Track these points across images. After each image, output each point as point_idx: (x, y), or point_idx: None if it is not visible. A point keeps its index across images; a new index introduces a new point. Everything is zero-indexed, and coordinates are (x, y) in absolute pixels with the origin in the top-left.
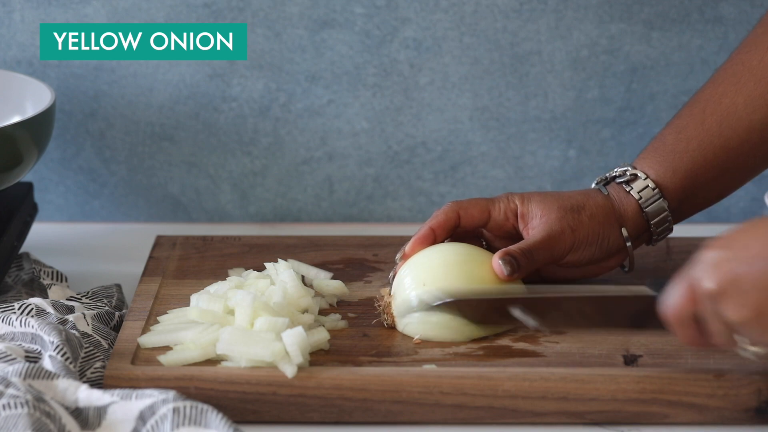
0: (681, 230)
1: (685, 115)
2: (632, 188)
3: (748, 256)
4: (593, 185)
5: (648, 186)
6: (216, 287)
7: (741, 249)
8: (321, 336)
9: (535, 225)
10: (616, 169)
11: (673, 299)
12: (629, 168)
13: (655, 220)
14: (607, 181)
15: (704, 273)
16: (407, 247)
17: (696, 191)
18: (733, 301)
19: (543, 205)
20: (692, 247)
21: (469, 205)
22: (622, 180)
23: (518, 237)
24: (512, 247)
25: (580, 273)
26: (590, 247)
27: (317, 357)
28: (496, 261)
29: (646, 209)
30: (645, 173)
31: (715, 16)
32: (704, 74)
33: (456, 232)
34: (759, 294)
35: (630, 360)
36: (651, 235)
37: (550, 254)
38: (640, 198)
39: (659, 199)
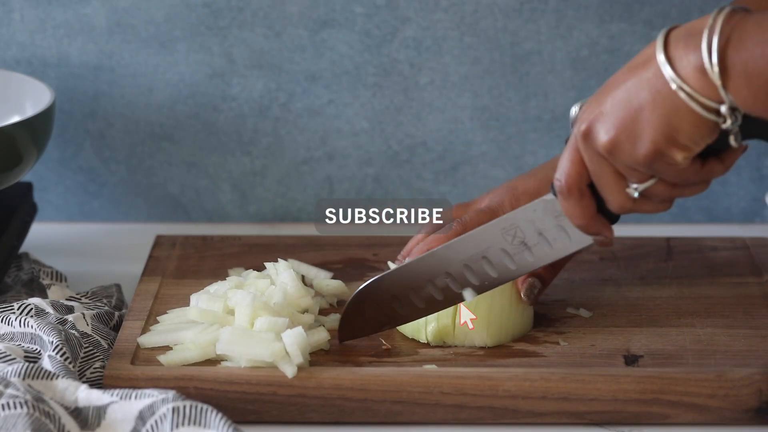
0: (681, 230)
1: None
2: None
3: (600, 95)
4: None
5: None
6: (216, 287)
7: (595, 98)
8: (321, 336)
9: None
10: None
11: (563, 170)
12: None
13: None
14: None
15: (578, 126)
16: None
17: None
18: (600, 128)
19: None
20: (692, 247)
21: (473, 226)
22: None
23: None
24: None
25: None
26: None
27: (317, 357)
28: (522, 288)
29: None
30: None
31: None
32: None
33: None
34: (620, 111)
35: (631, 360)
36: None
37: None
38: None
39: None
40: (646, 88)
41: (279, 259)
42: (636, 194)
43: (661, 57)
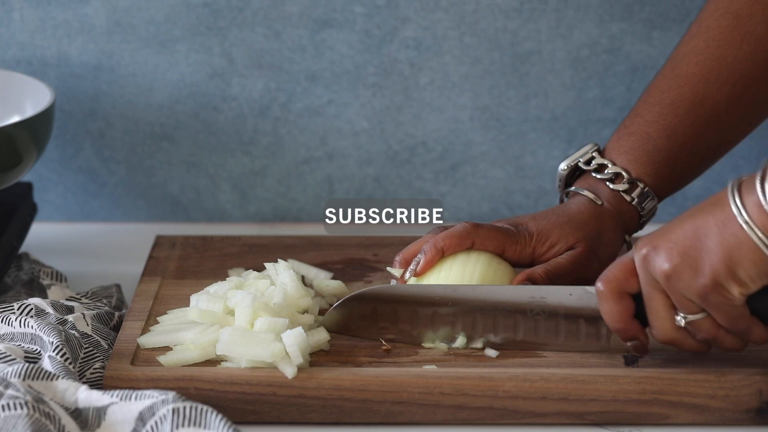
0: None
1: (670, 115)
2: (634, 199)
3: (668, 225)
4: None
5: (648, 194)
6: (216, 287)
7: (662, 228)
8: (321, 336)
9: (559, 249)
10: (608, 168)
11: (611, 273)
12: (621, 171)
13: (646, 217)
14: (579, 171)
15: (640, 250)
16: (419, 268)
17: (683, 185)
18: (663, 254)
19: (567, 237)
20: None
21: (486, 235)
22: (622, 189)
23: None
24: (537, 270)
25: None
26: (606, 264)
27: (317, 357)
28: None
29: (644, 216)
30: (642, 181)
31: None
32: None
33: None
34: (685, 241)
35: (631, 361)
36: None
37: (572, 280)
38: (643, 210)
39: (656, 203)
40: (714, 224)
41: (279, 259)
42: (683, 323)
43: (734, 195)
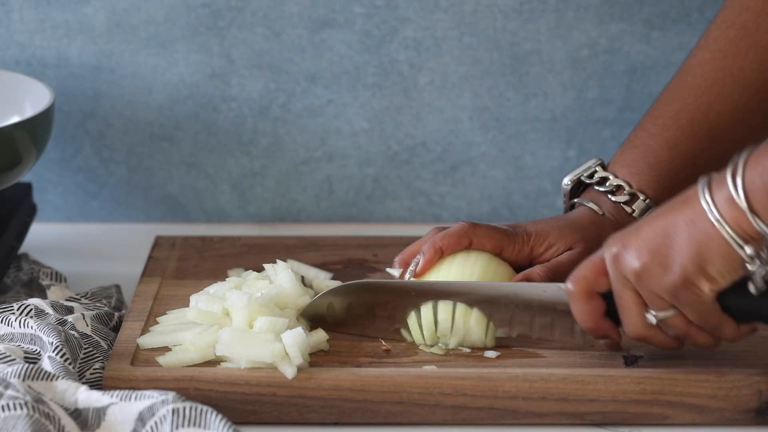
0: None
1: (672, 127)
2: (634, 210)
3: (638, 224)
4: (577, 200)
5: (650, 207)
6: (215, 288)
7: (632, 227)
8: (320, 336)
9: (558, 249)
10: (610, 180)
11: (581, 273)
12: (623, 183)
13: None
14: (583, 186)
15: (610, 248)
16: (418, 268)
17: None
18: (633, 252)
19: (565, 239)
20: None
21: (484, 234)
22: (623, 201)
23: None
24: (535, 269)
25: None
26: None
27: (317, 358)
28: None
29: None
30: (644, 193)
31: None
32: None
33: None
34: (655, 239)
35: (630, 361)
36: None
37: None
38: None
39: None
40: (684, 221)
41: (277, 260)
42: (654, 321)
43: (704, 192)
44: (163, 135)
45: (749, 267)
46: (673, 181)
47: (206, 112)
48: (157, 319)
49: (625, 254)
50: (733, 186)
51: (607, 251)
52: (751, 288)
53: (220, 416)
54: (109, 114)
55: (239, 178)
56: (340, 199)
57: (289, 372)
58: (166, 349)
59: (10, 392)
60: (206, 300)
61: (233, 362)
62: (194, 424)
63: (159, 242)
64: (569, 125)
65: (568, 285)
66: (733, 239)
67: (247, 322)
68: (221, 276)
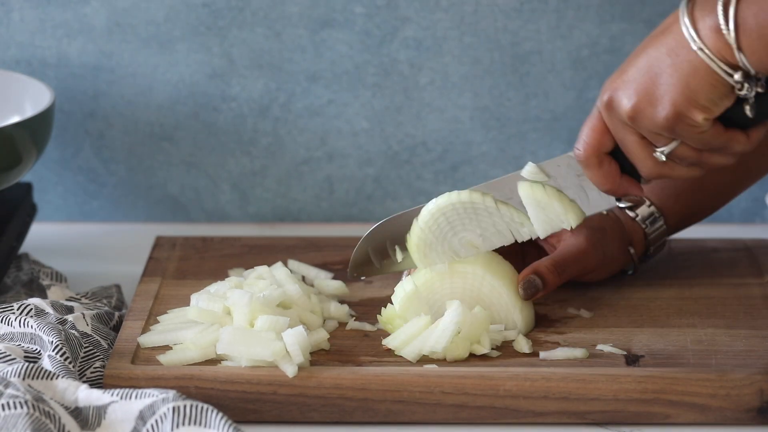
0: (681, 231)
1: None
2: (638, 215)
3: (624, 65)
4: None
5: (653, 214)
6: (216, 287)
7: (618, 69)
8: (320, 335)
9: (562, 240)
10: None
11: (583, 139)
12: None
13: (656, 244)
14: None
15: (602, 96)
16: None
17: (694, 212)
18: (623, 95)
19: None
20: (693, 247)
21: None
22: (626, 206)
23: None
24: (543, 262)
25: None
26: (610, 265)
27: (318, 356)
28: (520, 283)
29: (650, 236)
30: (648, 199)
31: None
32: None
33: None
34: (641, 77)
35: (632, 360)
36: (647, 254)
37: (579, 269)
38: (646, 226)
39: (662, 226)
40: (666, 53)
41: (278, 261)
42: (663, 157)
43: (684, 19)
44: (163, 135)
45: (740, 92)
46: (679, 187)
47: (206, 112)
48: (158, 318)
49: (616, 99)
50: (724, 17)
51: (599, 102)
52: (747, 111)
53: (220, 415)
54: (109, 114)
55: (239, 178)
56: (340, 199)
57: (289, 370)
58: (166, 348)
59: (10, 391)
60: (207, 299)
61: (234, 361)
62: (195, 423)
63: (159, 242)
64: (570, 125)
65: (578, 153)
66: (720, 67)
67: (248, 320)
68: (222, 276)
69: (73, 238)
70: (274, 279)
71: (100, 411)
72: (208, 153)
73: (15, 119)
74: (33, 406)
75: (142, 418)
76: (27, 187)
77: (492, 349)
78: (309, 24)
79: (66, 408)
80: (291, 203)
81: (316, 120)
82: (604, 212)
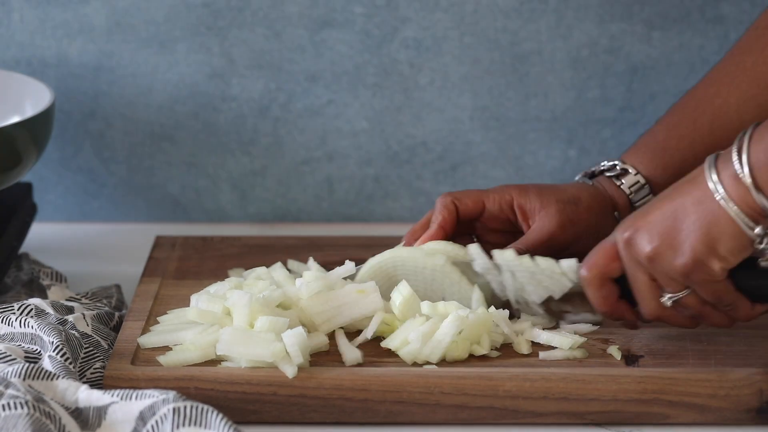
0: None
1: (677, 112)
2: (623, 183)
3: (647, 207)
4: (577, 178)
5: (638, 181)
6: (216, 288)
7: (641, 210)
8: (320, 340)
9: (535, 218)
10: (603, 163)
11: (592, 261)
12: (618, 162)
13: (637, 201)
14: (594, 175)
15: (622, 233)
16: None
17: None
18: (644, 236)
19: (541, 197)
20: None
21: (462, 195)
22: (612, 174)
23: (511, 230)
24: (513, 246)
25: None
26: (588, 238)
27: (317, 357)
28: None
29: (636, 204)
30: (635, 168)
31: (716, 15)
32: (705, 74)
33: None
34: (665, 222)
35: (631, 360)
36: None
37: (551, 249)
38: (631, 193)
39: (648, 194)
40: (691, 202)
41: (278, 262)
42: (669, 303)
43: (709, 172)
44: (163, 135)
45: (758, 246)
46: (667, 159)
47: (206, 112)
48: (158, 318)
49: (637, 238)
50: (738, 162)
51: (619, 236)
52: (763, 263)
53: (220, 415)
54: (109, 114)
55: (239, 178)
56: (340, 199)
57: (289, 371)
58: (166, 349)
59: (10, 391)
60: (207, 299)
61: (234, 362)
62: (195, 424)
63: (159, 242)
64: (569, 125)
65: (583, 272)
66: (741, 218)
67: (248, 321)
68: (222, 276)
69: (73, 238)
70: (273, 279)
71: (101, 411)
72: (208, 153)
73: (15, 119)
74: (33, 406)
75: (142, 418)
76: (27, 187)
77: (492, 349)
78: (309, 24)
79: (66, 408)
80: (291, 203)
81: (316, 120)
82: (589, 182)
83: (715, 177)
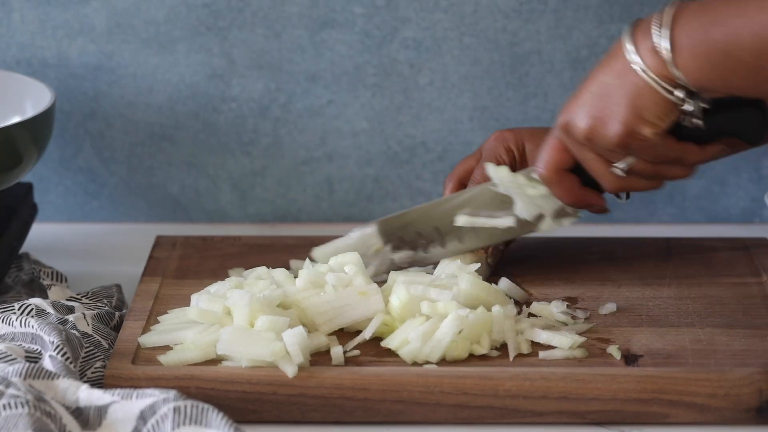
0: (681, 231)
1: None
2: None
3: (577, 91)
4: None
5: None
6: (216, 287)
7: (573, 95)
8: (321, 341)
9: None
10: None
11: (543, 159)
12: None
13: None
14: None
15: (559, 120)
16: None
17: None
18: (578, 118)
19: (537, 137)
20: (691, 246)
21: (462, 162)
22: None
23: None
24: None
25: None
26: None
27: (318, 357)
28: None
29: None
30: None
31: None
32: None
33: None
34: (593, 101)
35: (631, 360)
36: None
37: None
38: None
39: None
40: (614, 77)
41: (278, 263)
42: (621, 173)
43: (628, 45)
44: (164, 135)
45: (683, 108)
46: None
47: (206, 112)
48: (158, 318)
49: (571, 122)
50: (659, 36)
51: (557, 126)
52: (693, 123)
53: (221, 415)
54: (110, 114)
55: (239, 178)
56: (340, 199)
57: (290, 371)
58: (167, 348)
59: (11, 391)
60: (207, 299)
61: (234, 361)
62: (195, 423)
63: (159, 242)
64: None
65: (540, 172)
66: (661, 86)
67: (248, 320)
68: (222, 276)
69: (74, 238)
70: (273, 279)
71: (101, 411)
72: (208, 153)
73: (15, 119)
74: (34, 406)
75: (142, 418)
76: (27, 187)
77: (492, 349)
78: (309, 24)
79: (67, 408)
80: (291, 203)
81: (316, 120)
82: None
83: (632, 48)
